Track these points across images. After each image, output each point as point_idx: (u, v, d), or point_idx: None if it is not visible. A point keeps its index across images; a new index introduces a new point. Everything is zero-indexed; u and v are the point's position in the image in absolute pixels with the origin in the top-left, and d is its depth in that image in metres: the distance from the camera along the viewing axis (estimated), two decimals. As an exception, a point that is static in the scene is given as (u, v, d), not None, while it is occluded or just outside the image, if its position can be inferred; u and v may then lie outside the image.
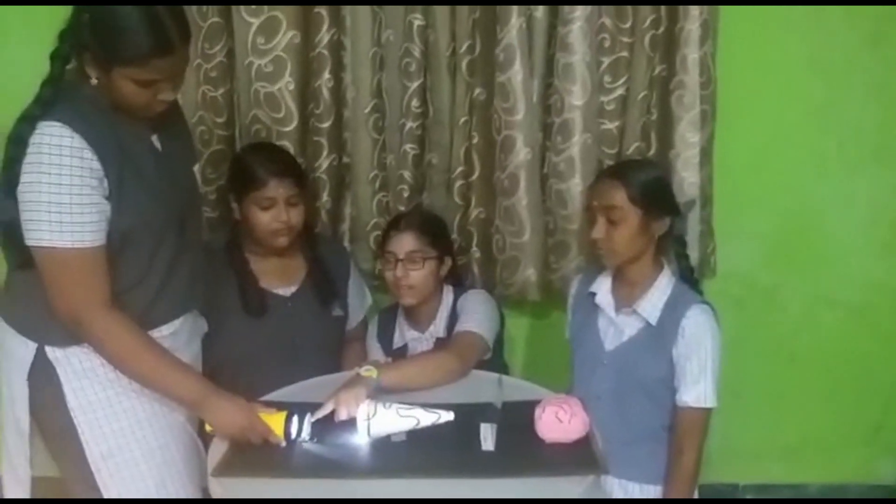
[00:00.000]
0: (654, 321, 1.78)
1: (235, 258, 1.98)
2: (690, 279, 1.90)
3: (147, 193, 1.48)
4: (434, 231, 2.00)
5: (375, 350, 2.06)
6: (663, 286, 1.81)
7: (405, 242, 1.94)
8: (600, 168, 2.08)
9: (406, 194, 2.18)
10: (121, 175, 1.43)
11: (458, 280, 2.14)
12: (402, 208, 2.16)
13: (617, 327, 1.83)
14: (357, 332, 2.15)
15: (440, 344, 1.97)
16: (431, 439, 1.46)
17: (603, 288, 1.87)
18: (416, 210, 2.14)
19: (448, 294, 2.04)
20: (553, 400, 1.51)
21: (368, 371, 1.62)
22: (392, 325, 2.07)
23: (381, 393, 1.57)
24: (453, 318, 1.99)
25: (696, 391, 1.74)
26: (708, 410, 1.76)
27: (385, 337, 2.07)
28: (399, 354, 2.02)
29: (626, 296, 1.83)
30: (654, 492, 1.81)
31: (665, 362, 1.76)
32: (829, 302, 2.31)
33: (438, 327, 2.01)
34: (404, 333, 2.05)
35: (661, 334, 1.76)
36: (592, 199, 1.81)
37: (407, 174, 2.17)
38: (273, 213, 1.89)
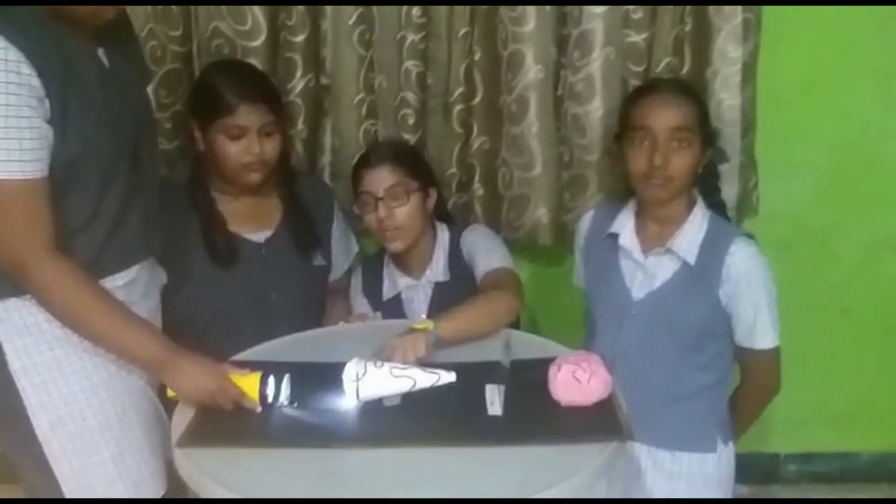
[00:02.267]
0: (692, 260, 1.79)
1: (199, 198, 1.97)
2: (723, 219, 1.92)
3: (94, 117, 1.47)
4: (411, 160, 2.01)
5: (362, 305, 2.08)
6: (698, 221, 1.82)
7: (382, 178, 1.94)
8: (624, 89, 2.07)
9: (411, 121, 2.16)
10: (65, 95, 1.41)
11: (448, 216, 2.15)
12: (407, 137, 2.15)
13: (646, 272, 1.84)
14: (341, 284, 2.16)
15: (441, 290, 1.99)
16: (430, 403, 1.47)
17: (626, 228, 1.88)
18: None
19: (443, 232, 2.05)
20: (569, 357, 1.52)
21: (423, 323, 1.64)
22: (379, 274, 2.09)
23: (440, 347, 1.61)
24: (455, 259, 2.00)
25: (755, 334, 1.79)
26: (773, 350, 1.82)
27: (372, 289, 2.08)
28: (391, 307, 2.03)
29: (654, 235, 1.85)
30: (687, 460, 1.85)
31: (708, 307, 1.79)
32: (889, 248, 2.32)
33: (436, 271, 2.02)
34: (396, 282, 2.06)
35: (702, 275, 1.79)
36: (644, 118, 1.78)
37: (411, 96, 2.14)
38: (244, 145, 1.88)
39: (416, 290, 2.04)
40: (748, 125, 2.12)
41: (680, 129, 1.76)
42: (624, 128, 1.84)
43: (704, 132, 1.81)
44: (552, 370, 1.50)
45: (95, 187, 1.51)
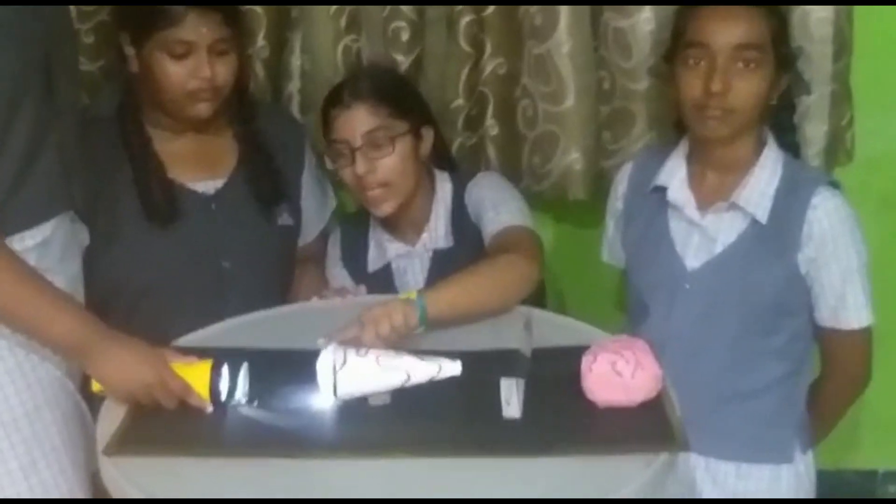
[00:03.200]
0: (763, 217, 1.80)
1: (130, 135, 1.97)
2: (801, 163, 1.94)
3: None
4: (396, 92, 1.99)
5: (341, 279, 2.09)
6: (770, 167, 1.83)
7: (358, 120, 1.92)
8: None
9: (405, 36, 2.15)
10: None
11: (450, 162, 2.15)
12: (399, 58, 2.14)
13: (704, 234, 1.85)
14: (314, 249, 2.18)
15: (442, 259, 1.99)
16: (428, 402, 1.47)
17: (676, 178, 1.89)
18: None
19: (443, 182, 2.05)
20: (608, 345, 1.52)
21: (406, 293, 1.65)
22: (362, 239, 2.09)
23: (431, 329, 1.63)
24: (459, 217, 2.01)
25: (843, 310, 1.81)
26: (864, 331, 1.83)
27: (354, 258, 2.09)
28: (379, 281, 2.04)
29: (714, 187, 1.85)
30: (756, 475, 1.87)
31: (783, 277, 1.80)
32: None
33: (436, 234, 2.03)
34: (384, 249, 2.06)
35: (777, 236, 1.79)
36: (701, 32, 1.78)
37: (405, 7, 2.14)
38: (190, 66, 1.87)
39: (409, 260, 2.05)
40: (843, 45, 2.11)
41: (746, 46, 1.75)
42: (676, 44, 1.83)
43: (780, 52, 1.80)
44: (586, 361, 1.50)
45: (-1, 114, 1.50)
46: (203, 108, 1.93)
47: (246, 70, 2.08)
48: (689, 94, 1.78)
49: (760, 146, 1.85)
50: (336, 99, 1.96)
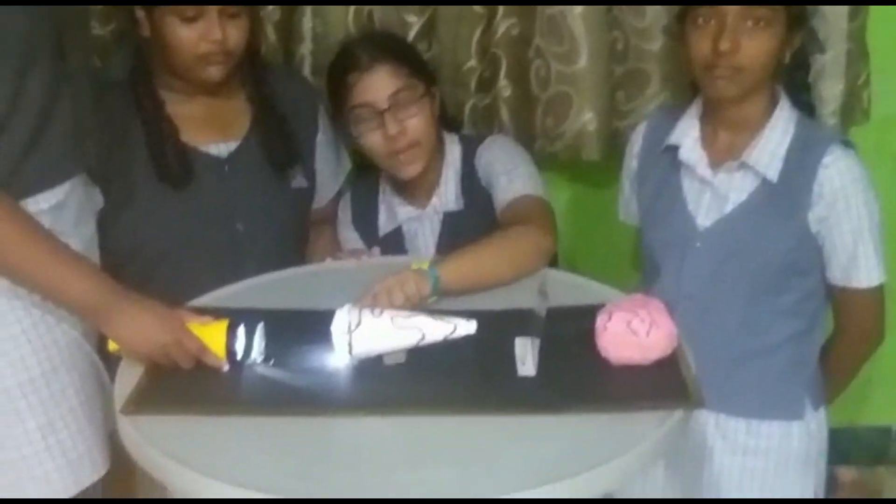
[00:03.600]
0: (774, 176, 1.79)
1: (143, 99, 1.97)
2: (814, 122, 1.93)
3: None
4: (411, 53, 2.02)
5: (353, 241, 2.09)
6: (782, 126, 1.82)
7: (383, 82, 1.92)
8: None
9: None
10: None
11: (454, 123, 2.15)
12: (412, 19, 2.14)
13: (715, 192, 1.85)
14: (328, 212, 2.18)
15: (452, 222, 1.99)
16: (443, 361, 1.48)
17: (689, 138, 1.88)
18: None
19: (452, 145, 2.05)
20: (623, 303, 1.52)
21: (419, 263, 1.65)
22: (373, 203, 2.10)
23: (443, 297, 1.63)
24: (469, 181, 2.00)
25: (854, 269, 1.81)
26: (877, 289, 1.83)
27: (364, 221, 2.10)
28: (390, 244, 2.05)
29: (725, 146, 1.85)
30: (767, 431, 1.88)
31: (794, 235, 1.80)
32: None
33: (446, 197, 2.03)
34: (395, 212, 2.07)
35: (788, 194, 1.79)
36: None
37: None
38: (201, 29, 1.86)
39: (420, 223, 2.05)
40: (859, 4, 2.09)
41: (756, 4, 1.73)
42: (687, 3, 1.81)
43: (792, 10, 1.78)
44: (601, 319, 1.50)
45: (8, 81, 1.49)
46: (215, 72, 1.92)
47: (257, 33, 2.08)
48: (699, 53, 1.77)
49: (773, 105, 1.84)
50: (353, 62, 1.95)
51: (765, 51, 1.75)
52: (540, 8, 2.11)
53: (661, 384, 1.45)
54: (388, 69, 1.93)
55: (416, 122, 1.94)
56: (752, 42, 1.73)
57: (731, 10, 1.72)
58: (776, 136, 1.81)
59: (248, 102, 2.04)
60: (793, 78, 1.90)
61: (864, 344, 1.94)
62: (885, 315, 1.89)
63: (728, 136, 1.85)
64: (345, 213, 2.13)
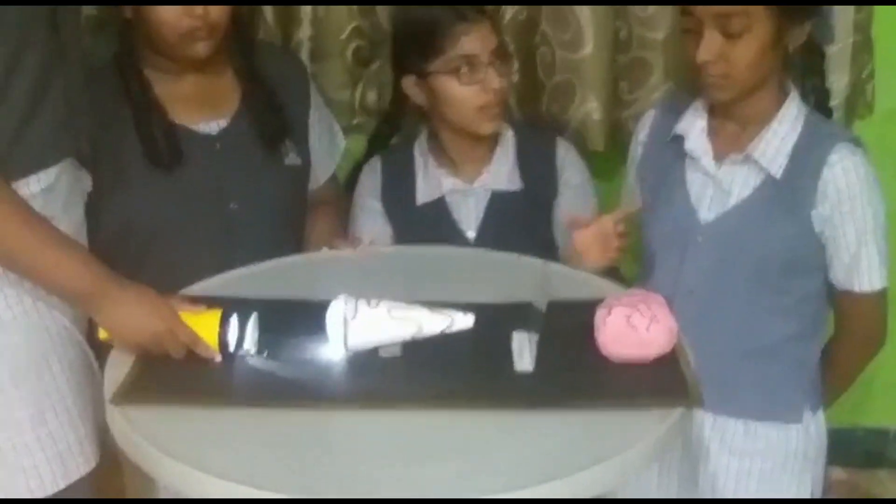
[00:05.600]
0: (778, 172, 1.78)
1: (130, 81, 1.96)
2: (826, 116, 1.91)
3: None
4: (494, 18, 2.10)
5: (372, 211, 2.08)
6: (790, 120, 1.81)
7: (489, 38, 1.98)
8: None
9: None
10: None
11: None
12: None
13: (719, 186, 1.84)
14: (325, 192, 2.17)
15: (502, 202, 2.02)
16: (439, 354, 1.47)
17: (695, 129, 1.87)
18: None
19: (506, 129, 2.08)
20: (623, 298, 1.51)
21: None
22: (407, 171, 2.09)
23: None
24: (528, 163, 2.04)
25: (857, 271, 1.80)
26: (879, 293, 1.82)
27: (396, 191, 2.09)
28: (427, 214, 2.05)
29: (731, 138, 1.84)
30: (764, 433, 1.87)
31: (797, 234, 1.79)
32: None
33: (497, 176, 2.05)
34: (438, 182, 2.07)
35: (791, 192, 1.78)
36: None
37: None
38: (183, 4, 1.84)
39: (464, 196, 2.06)
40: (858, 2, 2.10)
41: (727, 14, 1.69)
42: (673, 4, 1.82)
43: (786, 8, 1.74)
44: (600, 314, 1.49)
45: (5, 52, 1.48)
46: (201, 48, 1.91)
47: (247, 11, 2.07)
48: (690, 59, 1.77)
49: (783, 97, 1.82)
50: (457, 14, 1.97)
51: (750, 55, 1.73)
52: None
53: (661, 381, 1.44)
54: (490, 26, 2.00)
55: (506, 81, 2.00)
56: (734, 49, 1.72)
57: (707, 21, 1.70)
58: (783, 130, 1.80)
59: (237, 78, 2.03)
60: (808, 64, 1.89)
61: (864, 348, 1.94)
62: (886, 321, 1.89)
63: (735, 127, 1.84)
64: (371, 181, 2.12)
